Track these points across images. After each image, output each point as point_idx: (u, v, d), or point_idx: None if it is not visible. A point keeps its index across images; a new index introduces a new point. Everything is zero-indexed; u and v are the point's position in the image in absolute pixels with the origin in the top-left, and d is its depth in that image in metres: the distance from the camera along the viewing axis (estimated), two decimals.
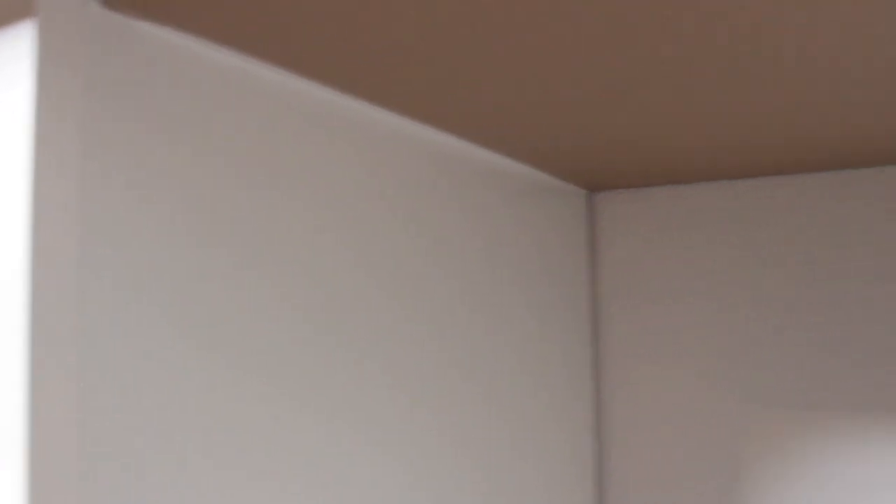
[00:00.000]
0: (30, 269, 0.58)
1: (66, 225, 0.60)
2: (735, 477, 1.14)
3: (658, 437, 1.17)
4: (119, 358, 0.64)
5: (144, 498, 0.64)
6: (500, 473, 1.03)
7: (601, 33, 0.58)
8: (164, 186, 0.69)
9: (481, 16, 0.54)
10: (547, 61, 0.65)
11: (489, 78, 0.70)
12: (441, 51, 0.62)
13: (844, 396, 1.11)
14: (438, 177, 0.95)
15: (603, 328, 1.22)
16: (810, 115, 0.83)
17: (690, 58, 0.65)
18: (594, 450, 1.21)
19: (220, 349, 0.72)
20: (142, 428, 0.65)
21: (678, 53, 0.64)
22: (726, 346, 1.14)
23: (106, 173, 0.65)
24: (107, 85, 0.65)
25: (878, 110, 0.83)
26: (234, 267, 0.74)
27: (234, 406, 0.72)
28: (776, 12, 0.56)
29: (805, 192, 1.13)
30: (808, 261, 1.12)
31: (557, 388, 1.14)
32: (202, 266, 0.71)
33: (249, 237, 0.75)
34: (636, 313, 1.19)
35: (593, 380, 1.22)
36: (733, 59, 0.66)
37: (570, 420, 1.17)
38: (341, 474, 0.81)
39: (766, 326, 1.13)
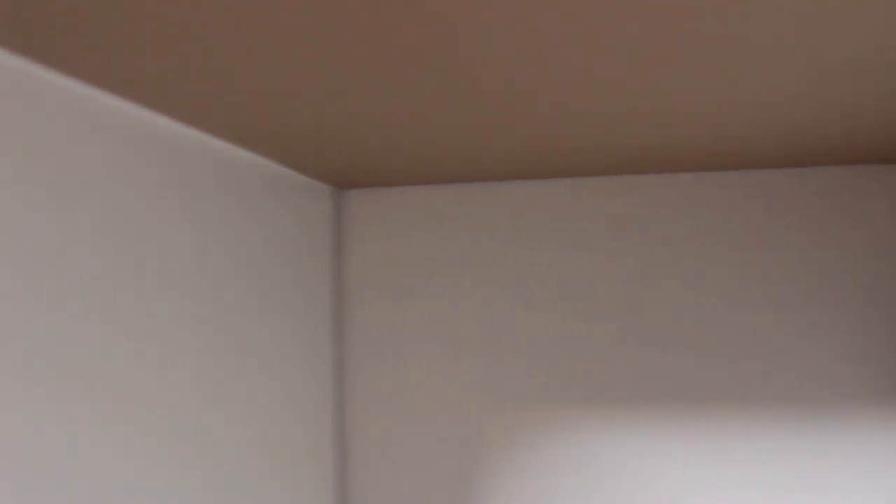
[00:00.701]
0: None
1: None
2: (479, 476, 1.17)
3: (402, 438, 1.18)
4: None
5: None
6: (238, 476, 1.00)
7: (331, 29, 0.57)
8: None
9: (215, 7, 0.51)
10: (277, 56, 0.63)
11: (224, 70, 0.67)
12: (174, 41, 0.59)
13: (587, 392, 1.16)
14: (177, 172, 0.91)
15: (347, 328, 1.21)
16: (535, 126, 0.86)
17: (416, 62, 0.65)
18: (336, 451, 1.20)
19: None
20: None
21: (404, 59, 0.64)
22: (472, 346, 1.16)
23: None
24: None
25: (610, 122, 0.87)
26: None
27: None
28: (506, 19, 0.56)
29: (546, 195, 1.17)
30: (549, 261, 1.17)
31: (299, 388, 1.12)
32: None
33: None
34: (382, 313, 1.19)
35: (336, 380, 1.21)
36: (463, 68, 0.67)
37: (311, 421, 1.15)
38: (83, 472, 0.75)
39: (510, 326, 1.16)
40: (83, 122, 0.80)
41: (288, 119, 0.85)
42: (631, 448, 1.14)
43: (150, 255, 0.91)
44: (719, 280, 1.15)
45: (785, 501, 1.12)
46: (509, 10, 0.55)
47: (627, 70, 0.68)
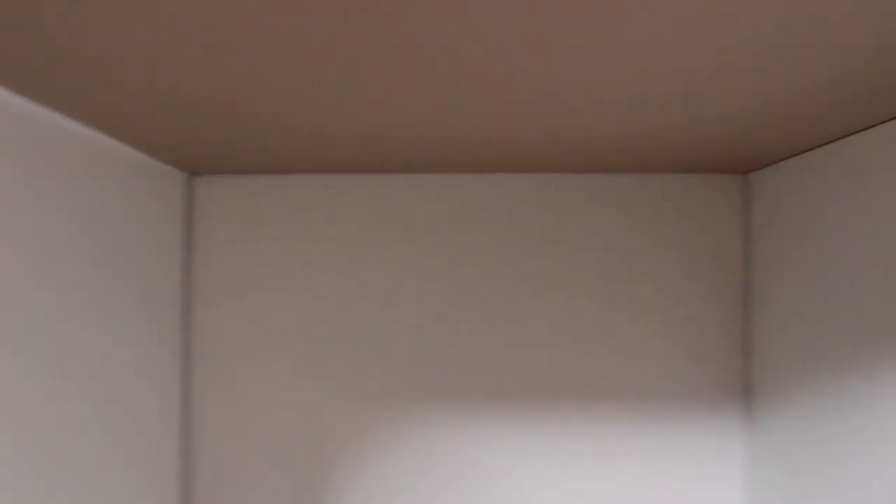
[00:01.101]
0: None
1: None
2: (327, 474, 1.16)
3: (248, 433, 1.16)
4: None
5: None
6: (82, 472, 0.95)
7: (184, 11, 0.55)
8: None
9: None
10: (121, 38, 0.60)
11: (74, 49, 0.63)
12: (22, 17, 0.55)
13: (438, 390, 1.17)
14: (29, 154, 0.86)
15: (197, 319, 1.18)
16: (379, 113, 0.86)
17: (263, 44, 0.63)
18: (181, 448, 1.17)
19: None
20: None
21: (250, 40, 0.62)
22: (322, 342, 1.15)
23: None
24: None
25: (466, 121, 0.88)
26: None
27: None
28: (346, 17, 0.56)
29: (400, 189, 1.18)
30: (399, 257, 1.17)
31: (144, 384, 1.08)
32: None
33: None
34: (232, 305, 1.16)
35: (183, 374, 1.17)
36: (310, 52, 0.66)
37: (156, 415, 1.11)
38: None
39: (360, 322, 1.16)
40: None
41: (137, 102, 0.82)
42: (482, 445, 1.16)
43: (14, 241, 0.85)
44: (568, 280, 1.18)
45: (630, 492, 1.16)
46: (347, 6, 0.55)
47: (488, 56, 0.69)
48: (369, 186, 1.17)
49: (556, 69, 0.71)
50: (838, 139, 0.98)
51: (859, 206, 0.94)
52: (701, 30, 0.62)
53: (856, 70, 0.72)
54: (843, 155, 0.97)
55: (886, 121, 0.89)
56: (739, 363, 1.18)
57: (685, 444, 1.17)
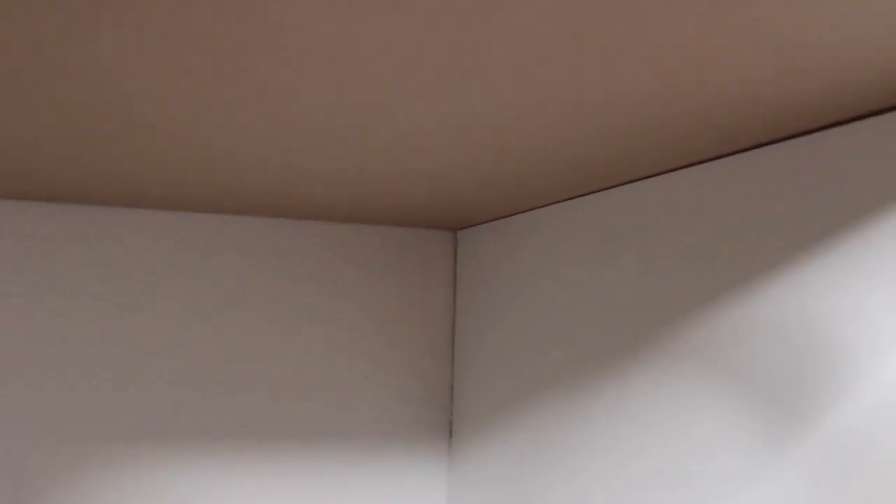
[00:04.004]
0: None
1: None
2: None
3: None
4: None
5: None
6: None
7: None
8: None
9: None
10: None
11: None
12: None
13: (152, 430, 1.13)
14: None
15: None
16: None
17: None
18: None
19: None
20: None
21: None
22: (23, 381, 1.07)
23: None
24: None
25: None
26: None
27: None
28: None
29: (122, 225, 1.13)
30: (120, 294, 1.11)
31: None
32: None
33: None
34: None
35: None
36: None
37: None
38: None
39: (61, 359, 1.10)
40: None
41: None
42: (197, 486, 1.14)
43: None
44: (289, 323, 1.21)
45: None
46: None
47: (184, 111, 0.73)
48: (93, 220, 1.15)
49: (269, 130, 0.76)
50: (528, 210, 1.11)
51: (544, 267, 1.07)
52: (401, 119, 0.70)
53: (543, 155, 0.83)
54: (532, 222, 1.10)
55: (568, 199, 1.03)
56: (446, 404, 1.28)
57: (394, 478, 1.24)
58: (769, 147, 0.74)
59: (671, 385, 0.83)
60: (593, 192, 0.98)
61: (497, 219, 1.20)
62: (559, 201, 1.05)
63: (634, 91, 0.64)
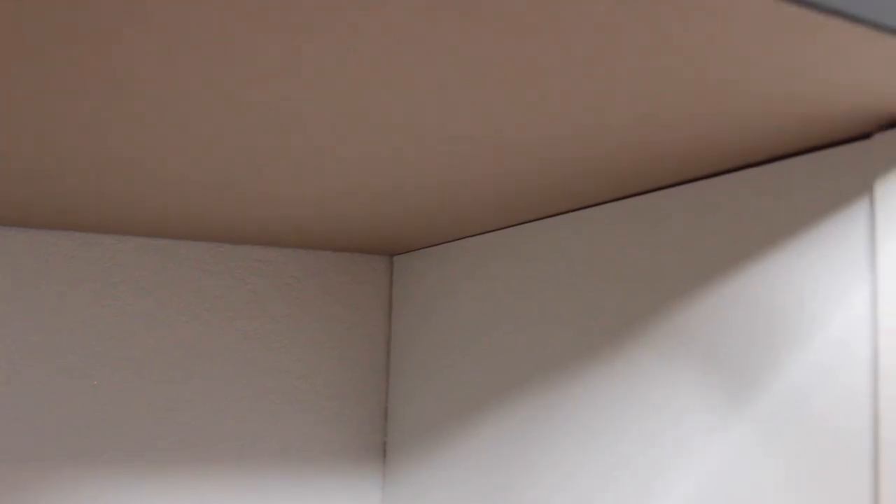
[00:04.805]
0: None
1: None
2: None
3: None
4: None
5: None
6: None
7: None
8: None
9: None
10: None
11: None
12: None
13: (77, 449, 1.14)
14: None
15: None
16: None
17: None
18: None
19: None
20: None
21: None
22: None
23: None
24: None
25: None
26: None
27: None
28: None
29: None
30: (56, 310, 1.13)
31: None
32: None
33: None
34: None
35: None
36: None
37: None
38: None
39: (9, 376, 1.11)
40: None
41: None
42: None
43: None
44: (222, 346, 1.21)
45: None
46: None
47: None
48: (23, 242, 1.14)
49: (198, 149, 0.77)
50: (464, 237, 1.13)
51: (478, 292, 1.09)
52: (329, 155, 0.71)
53: (473, 187, 0.85)
54: (468, 249, 1.12)
55: (503, 227, 1.05)
56: (380, 427, 1.30)
57: (328, 501, 1.26)
58: (699, 182, 0.78)
59: (604, 405, 0.86)
60: (528, 222, 1.01)
61: (433, 245, 1.22)
62: (495, 230, 1.08)
63: (557, 135, 0.66)
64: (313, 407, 1.26)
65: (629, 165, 0.73)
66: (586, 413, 0.87)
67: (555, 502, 0.90)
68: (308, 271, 1.27)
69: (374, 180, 0.83)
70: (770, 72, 0.51)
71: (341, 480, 1.27)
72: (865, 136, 0.61)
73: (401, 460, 1.25)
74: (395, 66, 0.51)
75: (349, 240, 1.21)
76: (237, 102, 0.58)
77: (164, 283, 1.20)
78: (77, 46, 0.49)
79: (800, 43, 0.46)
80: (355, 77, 0.53)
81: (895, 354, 0.56)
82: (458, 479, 1.10)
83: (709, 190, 0.75)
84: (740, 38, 0.46)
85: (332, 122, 0.63)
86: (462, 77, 0.53)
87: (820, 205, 0.64)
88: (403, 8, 0.43)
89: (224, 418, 1.21)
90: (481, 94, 0.56)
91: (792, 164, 0.67)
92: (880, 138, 0.59)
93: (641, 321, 0.81)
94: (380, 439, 1.30)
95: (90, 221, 1.09)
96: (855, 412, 0.58)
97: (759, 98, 0.55)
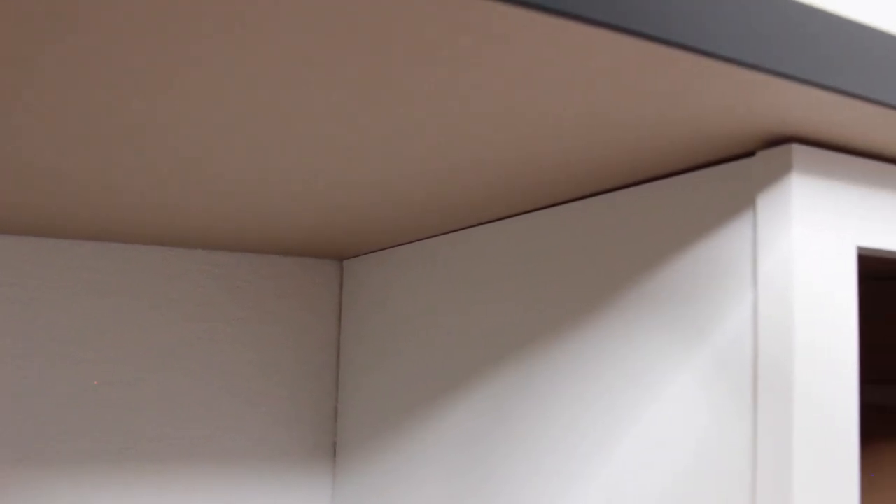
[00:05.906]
0: None
1: None
2: None
3: None
4: None
5: None
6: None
7: None
8: None
9: None
10: None
11: None
12: None
13: (37, 452, 1.16)
14: None
15: None
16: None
17: None
18: None
19: None
20: None
21: None
22: None
23: None
24: None
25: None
26: None
27: None
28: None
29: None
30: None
31: None
32: None
33: None
34: None
35: None
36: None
37: None
38: None
39: None
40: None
41: None
42: None
43: None
44: (172, 349, 1.24)
45: None
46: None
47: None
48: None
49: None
50: (412, 241, 1.16)
51: (426, 295, 1.12)
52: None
53: (419, 194, 0.88)
54: (416, 252, 1.16)
55: (451, 231, 1.08)
56: (330, 427, 1.32)
57: (278, 499, 1.28)
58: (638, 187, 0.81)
59: (549, 398, 0.89)
60: (471, 227, 1.04)
61: (382, 249, 1.25)
62: (443, 233, 1.11)
63: (456, 167, 0.69)
64: (262, 409, 1.28)
65: (533, 186, 0.76)
66: (535, 408, 0.90)
67: (506, 496, 0.94)
68: (261, 275, 1.30)
69: (315, 196, 0.86)
70: (637, 102, 0.54)
71: (292, 479, 1.29)
72: (751, 153, 0.65)
73: (350, 459, 1.28)
74: (306, 87, 0.54)
75: (300, 245, 1.23)
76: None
77: (118, 286, 1.22)
78: None
79: (659, 75, 0.50)
80: (279, 93, 0.56)
81: (773, 355, 0.59)
82: (407, 477, 1.13)
83: (609, 203, 0.78)
84: (596, 74, 0.49)
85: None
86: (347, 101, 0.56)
87: (709, 216, 0.67)
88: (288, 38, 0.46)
89: (176, 419, 1.23)
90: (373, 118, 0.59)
91: (685, 179, 0.70)
92: (762, 155, 0.63)
93: (570, 322, 0.84)
94: (330, 439, 1.33)
95: (41, 226, 1.10)
96: (741, 405, 0.62)
97: (631, 126, 0.58)
